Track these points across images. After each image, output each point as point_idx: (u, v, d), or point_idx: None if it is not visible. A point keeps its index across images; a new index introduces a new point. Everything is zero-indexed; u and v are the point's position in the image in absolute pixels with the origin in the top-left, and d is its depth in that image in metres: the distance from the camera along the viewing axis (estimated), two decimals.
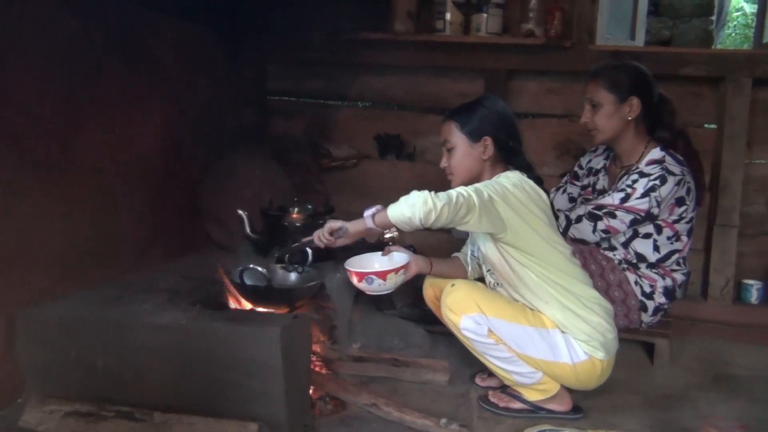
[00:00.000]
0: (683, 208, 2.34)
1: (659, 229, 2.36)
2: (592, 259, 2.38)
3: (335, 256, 2.41)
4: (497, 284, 2.05)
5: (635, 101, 2.34)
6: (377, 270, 1.98)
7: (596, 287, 2.04)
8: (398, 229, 1.83)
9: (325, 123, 3.49)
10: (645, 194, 2.26)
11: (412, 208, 1.69)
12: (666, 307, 2.43)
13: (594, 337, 1.92)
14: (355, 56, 3.24)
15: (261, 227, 2.55)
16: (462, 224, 1.74)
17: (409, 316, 2.65)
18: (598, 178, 2.59)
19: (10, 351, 1.91)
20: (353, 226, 1.89)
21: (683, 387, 2.40)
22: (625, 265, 2.41)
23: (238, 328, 1.84)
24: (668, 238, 2.37)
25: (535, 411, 2.07)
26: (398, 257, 2.11)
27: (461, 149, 1.98)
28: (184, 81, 2.77)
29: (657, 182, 2.25)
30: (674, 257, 2.41)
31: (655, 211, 2.27)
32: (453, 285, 1.97)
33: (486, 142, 1.96)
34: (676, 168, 2.30)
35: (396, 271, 1.98)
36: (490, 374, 2.21)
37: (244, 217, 2.50)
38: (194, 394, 1.86)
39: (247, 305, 2.22)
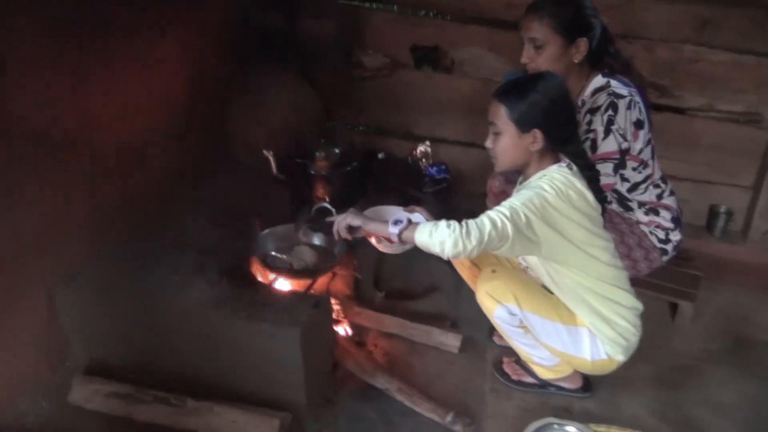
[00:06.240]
0: (642, 130, 2.14)
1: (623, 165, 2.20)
2: (611, 227, 2.25)
3: (358, 200, 2.48)
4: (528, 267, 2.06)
5: (583, 43, 2.09)
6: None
7: (620, 254, 1.99)
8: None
9: (357, 27, 3.22)
10: (607, 132, 2.07)
11: (442, 245, 1.66)
12: (680, 238, 2.36)
13: (618, 342, 1.93)
14: None
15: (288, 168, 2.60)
16: (494, 251, 1.72)
17: None
18: None
19: (54, 322, 2.05)
20: (374, 229, 1.83)
21: (697, 357, 2.44)
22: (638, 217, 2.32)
23: (257, 325, 1.89)
24: (633, 169, 2.22)
25: (546, 387, 2.19)
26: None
27: (508, 137, 1.81)
28: None
29: (610, 112, 2.06)
30: (647, 183, 2.28)
31: (625, 145, 2.10)
32: (494, 271, 1.98)
33: (535, 135, 1.78)
34: (623, 90, 2.10)
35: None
36: None
37: (270, 157, 2.56)
38: (221, 375, 1.99)
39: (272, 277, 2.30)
